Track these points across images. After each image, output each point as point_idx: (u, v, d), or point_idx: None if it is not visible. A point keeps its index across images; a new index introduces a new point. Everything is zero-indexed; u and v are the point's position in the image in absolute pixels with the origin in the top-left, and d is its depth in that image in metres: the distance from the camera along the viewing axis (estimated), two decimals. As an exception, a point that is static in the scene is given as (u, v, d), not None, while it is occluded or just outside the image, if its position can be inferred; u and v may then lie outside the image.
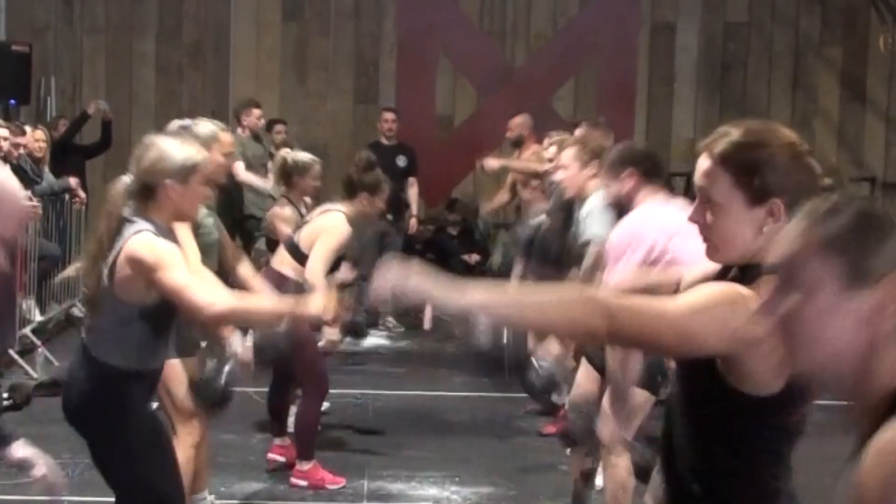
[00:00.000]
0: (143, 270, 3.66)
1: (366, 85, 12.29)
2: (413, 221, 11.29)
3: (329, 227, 6.12)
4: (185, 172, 3.81)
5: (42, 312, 9.21)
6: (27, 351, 8.51)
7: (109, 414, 3.82)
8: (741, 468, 2.51)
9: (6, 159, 8.69)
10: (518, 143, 9.43)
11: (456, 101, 12.32)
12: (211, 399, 4.59)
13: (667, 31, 12.41)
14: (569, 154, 5.36)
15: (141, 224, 3.74)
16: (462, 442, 7.06)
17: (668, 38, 12.42)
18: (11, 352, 8.40)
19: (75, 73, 12.09)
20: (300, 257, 6.08)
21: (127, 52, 12.11)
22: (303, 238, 6.12)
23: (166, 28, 12.13)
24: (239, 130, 9.58)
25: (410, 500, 6.00)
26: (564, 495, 5.56)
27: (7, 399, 7.39)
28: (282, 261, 6.16)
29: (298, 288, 6.03)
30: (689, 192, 12.19)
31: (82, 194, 10.08)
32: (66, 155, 10.43)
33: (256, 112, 9.92)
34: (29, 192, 8.54)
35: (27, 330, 8.68)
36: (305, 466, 6.07)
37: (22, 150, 9.16)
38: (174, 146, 3.88)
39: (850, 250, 1.67)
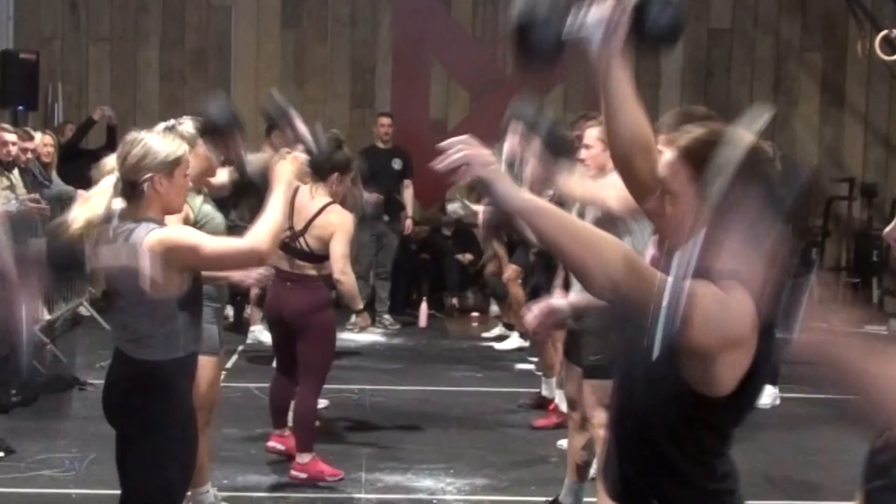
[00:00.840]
0: (181, 258, 3.69)
1: (362, 90, 12.30)
2: (409, 222, 11.30)
3: (338, 224, 6.03)
4: (170, 166, 3.81)
5: (50, 311, 9.19)
6: (35, 349, 8.50)
7: (154, 406, 3.80)
8: (687, 467, 2.50)
9: (15, 163, 8.68)
10: None
11: (449, 105, 12.33)
12: None
13: (653, 38, 12.41)
14: (593, 133, 5.29)
15: (144, 226, 3.74)
16: (456, 435, 7.07)
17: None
18: (20, 349, 8.40)
19: (81, 79, 12.08)
20: (314, 258, 6.05)
21: (131, 59, 12.11)
22: (312, 240, 6.06)
23: (169, 36, 12.13)
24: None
25: (406, 491, 6.01)
26: (555, 485, 5.57)
27: (16, 395, 7.39)
28: (297, 265, 6.12)
29: (329, 283, 6.02)
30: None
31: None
32: (72, 159, 10.41)
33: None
34: (37, 195, 8.55)
35: (35, 328, 8.66)
36: (305, 459, 6.06)
37: (30, 154, 9.16)
38: (157, 141, 3.87)
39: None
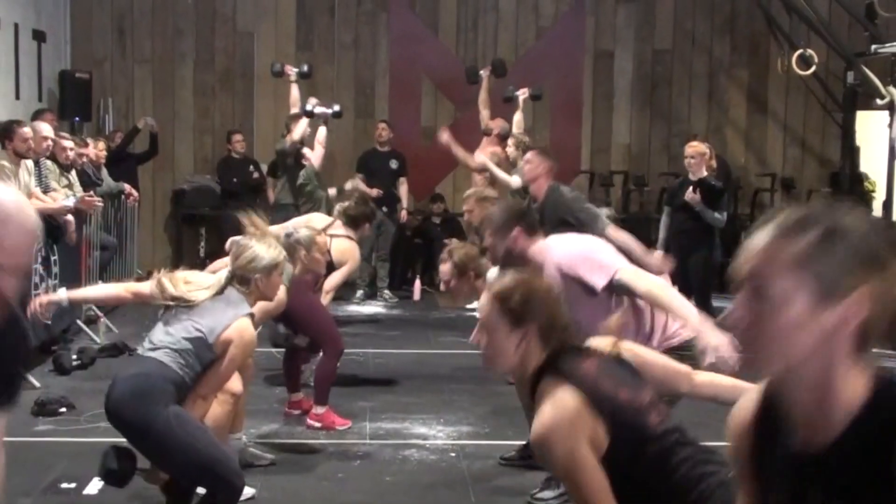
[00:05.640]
0: (230, 346, 3.95)
1: (364, 103, 12.24)
2: (404, 213, 11.28)
3: (356, 259, 6.41)
4: (270, 269, 4.05)
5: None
6: (91, 321, 8.47)
7: (143, 403, 3.82)
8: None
9: (72, 166, 8.63)
10: (487, 133, 9.59)
11: (437, 114, 12.27)
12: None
13: (606, 57, 12.39)
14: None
15: (245, 307, 4.01)
16: (446, 390, 7.06)
17: (607, 63, 12.39)
18: (79, 321, 8.36)
19: (128, 94, 12.00)
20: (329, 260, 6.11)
21: (170, 77, 12.03)
22: (334, 248, 6.19)
23: (201, 58, 12.05)
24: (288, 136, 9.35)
25: (404, 437, 6.00)
26: (528, 431, 5.55)
27: (76, 360, 7.36)
28: None
29: (316, 277, 6.06)
30: (625, 186, 12.22)
31: (135, 194, 10.03)
32: (121, 161, 10.37)
33: (306, 120, 9.44)
34: (91, 192, 8.50)
35: (91, 304, 8.62)
36: (320, 410, 6.05)
37: (85, 158, 9.12)
38: (262, 250, 4.08)
39: (818, 267, 1.39)
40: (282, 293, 5.09)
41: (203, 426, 4.02)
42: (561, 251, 4.15)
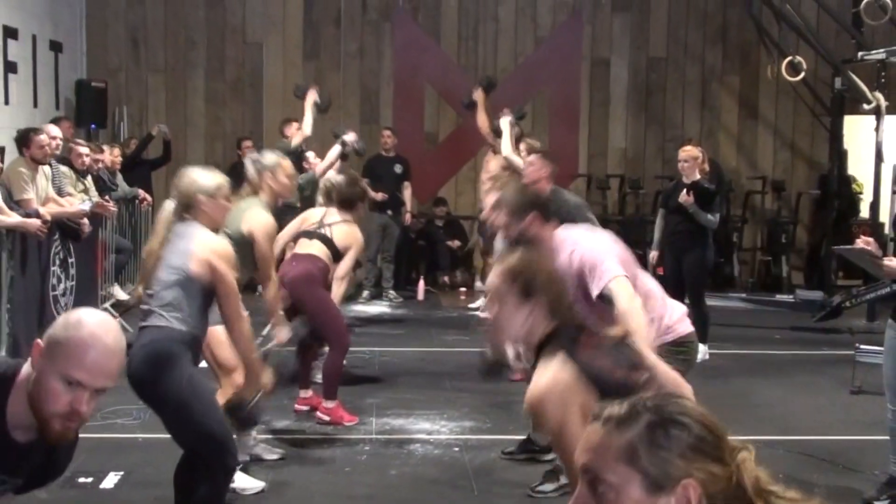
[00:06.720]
0: (209, 264, 3.83)
1: (369, 110, 12.24)
2: (408, 216, 11.27)
3: (359, 241, 6.19)
4: (212, 191, 3.97)
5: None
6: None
7: (164, 368, 3.77)
8: None
9: (88, 171, 8.64)
10: (496, 152, 9.37)
11: (440, 121, 12.28)
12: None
13: (603, 65, 12.39)
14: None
15: (196, 227, 3.90)
16: (449, 387, 7.06)
17: (603, 71, 12.39)
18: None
19: (142, 103, 12.00)
20: (332, 247, 6.03)
21: (182, 86, 12.03)
22: (336, 236, 6.06)
23: (213, 67, 12.06)
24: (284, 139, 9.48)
25: (409, 433, 6.00)
26: (528, 426, 5.56)
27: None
28: (312, 246, 6.07)
29: (325, 271, 6.00)
30: (621, 189, 12.22)
31: (149, 198, 10.03)
32: (135, 167, 10.38)
33: (295, 125, 9.67)
34: (107, 197, 8.51)
35: (107, 304, 8.63)
36: (330, 404, 6.04)
37: (100, 164, 9.12)
38: (201, 174, 4.05)
39: (645, 460, 1.37)
40: (357, 233, 5.68)
41: (214, 400, 4.00)
42: (586, 245, 4.00)
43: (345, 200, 6.17)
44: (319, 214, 6.22)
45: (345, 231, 6.10)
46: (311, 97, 8.42)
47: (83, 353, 2.07)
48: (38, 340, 2.16)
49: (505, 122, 8.10)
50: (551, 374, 2.61)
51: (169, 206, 4.04)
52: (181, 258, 3.85)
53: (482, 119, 9.17)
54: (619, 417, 1.42)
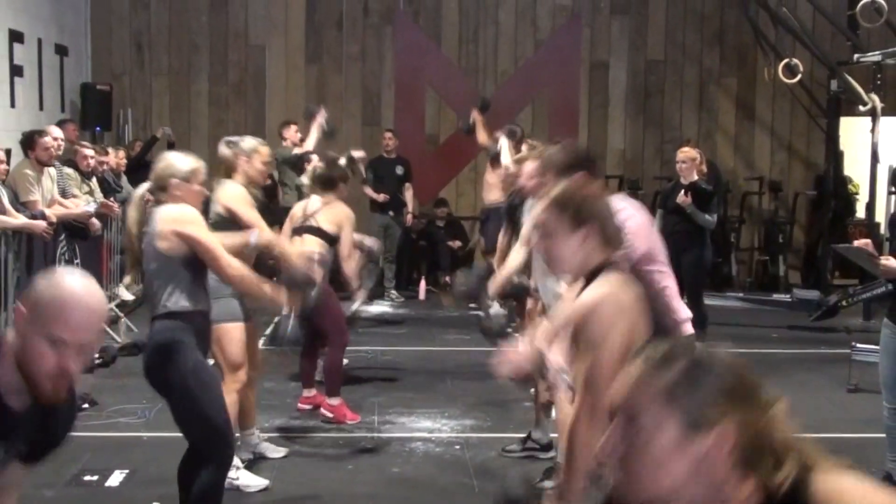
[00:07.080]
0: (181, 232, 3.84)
1: (371, 112, 12.23)
2: (409, 217, 11.27)
3: (350, 216, 5.95)
4: (187, 175, 3.93)
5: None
6: (112, 321, 8.47)
7: (169, 355, 3.78)
8: None
9: (93, 173, 8.64)
10: (496, 159, 9.39)
11: (440, 123, 12.27)
12: (282, 342, 5.05)
13: (602, 68, 12.38)
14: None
15: (166, 208, 3.91)
16: (450, 385, 7.06)
17: (602, 73, 12.38)
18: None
19: (146, 106, 12.00)
20: (323, 235, 5.91)
21: (185, 89, 12.03)
22: (322, 222, 5.92)
23: (216, 71, 12.06)
24: (284, 143, 9.52)
25: (410, 430, 5.99)
26: (528, 424, 5.56)
27: (98, 358, 7.36)
28: (303, 243, 5.95)
29: (324, 261, 5.91)
30: (620, 190, 12.20)
31: (153, 200, 10.01)
32: (140, 169, 10.33)
33: (294, 127, 9.72)
34: (112, 198, 8.50)
35: (112, 304, 8.63)
36: (334, 402, 6.03)
37: (105, 166, 9.12)
38: (178, 158, 4.01)
39: (684, 400, 1.40)
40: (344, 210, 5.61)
41: (218, 390, 3.99)
42: (637, 221, 3.72)
43: (325, 181, 6.02)
44: (301, 208, 6.08)
45: (331, 213, 5.91)
46: (319, 119, 8.42)
47: (65, 312, 2.07)
48: (20, 305, 2.16)
49: (503, 143, 8.11)
50: (609, 287, 2.52)
51: (139, 191, 4.05)
52: (150, 243, 3.86)
53: (482, 136, 9.42)
54: (661, 358, 1.44)
